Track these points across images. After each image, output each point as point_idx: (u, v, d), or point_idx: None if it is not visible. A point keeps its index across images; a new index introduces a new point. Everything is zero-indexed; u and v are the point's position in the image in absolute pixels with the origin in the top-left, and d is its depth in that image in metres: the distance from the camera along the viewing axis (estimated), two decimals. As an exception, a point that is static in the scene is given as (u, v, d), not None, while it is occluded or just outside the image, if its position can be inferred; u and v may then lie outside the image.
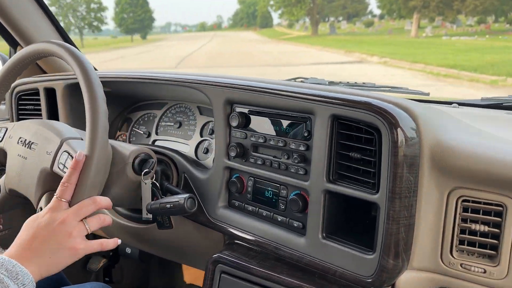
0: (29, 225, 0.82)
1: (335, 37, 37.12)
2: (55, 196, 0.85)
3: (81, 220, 0.85)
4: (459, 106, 1.29)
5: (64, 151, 0.96)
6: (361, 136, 0.86)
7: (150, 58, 23.41)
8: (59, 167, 0.95)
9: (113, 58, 24.42)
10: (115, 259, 1.83)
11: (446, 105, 1.29)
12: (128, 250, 1.66)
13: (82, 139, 1.03)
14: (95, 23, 56.63)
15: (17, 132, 1.07)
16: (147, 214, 1.02)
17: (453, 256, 0.82)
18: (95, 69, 1.74)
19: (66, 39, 1.66)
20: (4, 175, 1.08)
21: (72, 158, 0.93)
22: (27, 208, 1.09)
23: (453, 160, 0.79)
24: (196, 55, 24.09)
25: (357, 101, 0.84)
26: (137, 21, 66.34)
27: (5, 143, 1.09)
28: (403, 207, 0.80)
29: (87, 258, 1.82)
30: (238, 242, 1.09)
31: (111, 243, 0.90)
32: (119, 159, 1.06)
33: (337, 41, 30.10)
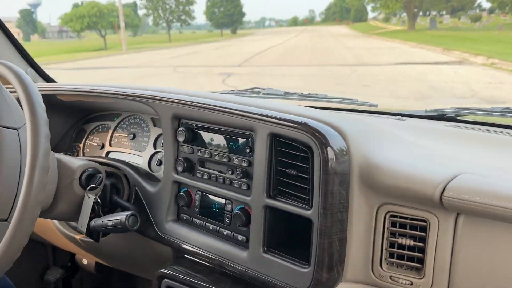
0: None
1: (434, 33, 31.03)
2: None
3: None
4: (403, 118, 1.34)
5: None
6: (298, 154, 0.89)
7: (220, 54, 21.27)
8: None
9: (186, 53, 22.43)
10: (74, 270, 1.81)
11: (391, 117, 1.34)
12: (85, 261, 1.64)
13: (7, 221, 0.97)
14: (183, 17, 54.35)
15: None
16: (81, 226, 1.02)
17: (382, 269, 0.85)
18: (52, 80, 1.73)
19: (20, 50, 1.64)
20: None
21: None
22: None
23: (378, 177, 0.82)
24: (271, 51, 21.76)
25: (292, 120, 0.87)
26: (226, 16, 63.70)
27: None
28: (335, 222, 0.83)
29: (45, 269, 1.80)
30: (186, 256, 1.10)
31: None
32: (67, 174, 1.05)
33: (436, 37, 25.12)
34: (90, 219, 1.06)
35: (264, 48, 23.61)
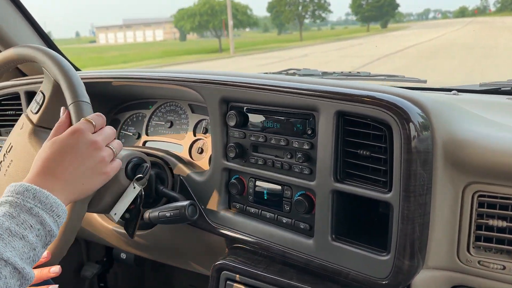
0: (53, 149, 0.73)
1: None
2: (83, 118, 0.79)
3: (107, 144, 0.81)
4: (459, 93, 1.26)
5: None
6: (369, 133, 0.82)
7: (332, 58, 16.79)
8: None
9: (292, 57, 18.83)
10: (109, 265, 1.77)
11: (446, 92, 1.26)
12: (123, 255, 1.60)
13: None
14: (317, 12, 47.67)
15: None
16: (114, 214, 0.96)
17: (470, 253, 0.79)
18: (77, 69, 1.66)
19: (48, 42, 1.57)
20: None
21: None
22: None
23: (467, 154, 0.75)
24: (406, 52, 16.79)
25: (364, 95, 0.80)
26: (374, 8, 55.45)
27: None
28: (417, 206, 0.77)
29: (81, 265, 1.76)
30: (242, 246, 1.04)
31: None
32: None
33: None
34: (129, 210, 1.00)
35: (401, 48, 17.69)
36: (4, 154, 1.01)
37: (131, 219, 1.01)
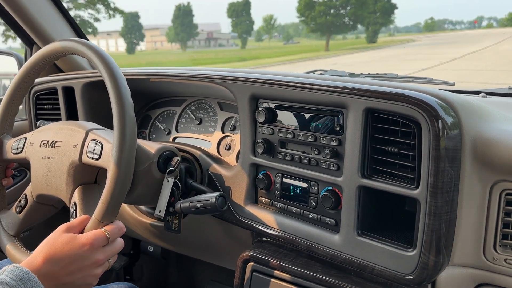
0: (66, 249, 0.78)
1: None
2: (103, 229, 0.82)
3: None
4: (487, 96, 1.25)
5: (91, 140, 0.93)
6: (397, 130, 0.83)
7: None
8: (88, 156, 0.93)
9: None
10: (135, 257, 1.82)
11: (474, 95, 1.26)
12: (150, 248, 1.64)
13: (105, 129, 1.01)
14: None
15: (37, 137, 1.04)
16: (159, 211, 0.99)
17: (496, 251, 0.79)
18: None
19: (82, 37, 1.64)
20: (30, 184, 1.05)
21: (101, 144, 0.91)
22: (53, 210, 1.08)
23: (495, 152, 0.76)
24: None
25: (394, 93, 0.81)
26: (333, 12, 35.70)
27: (26, 151, 1.05)
28: (444, 202, 0.78)
29: (108, 256, 1.81)
30: (268, 239, 1.07)
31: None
32: (145, 157, 1.04)
33: None
34: (169, 203, 1.04)
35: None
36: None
37: (175, 213, 1.05)
